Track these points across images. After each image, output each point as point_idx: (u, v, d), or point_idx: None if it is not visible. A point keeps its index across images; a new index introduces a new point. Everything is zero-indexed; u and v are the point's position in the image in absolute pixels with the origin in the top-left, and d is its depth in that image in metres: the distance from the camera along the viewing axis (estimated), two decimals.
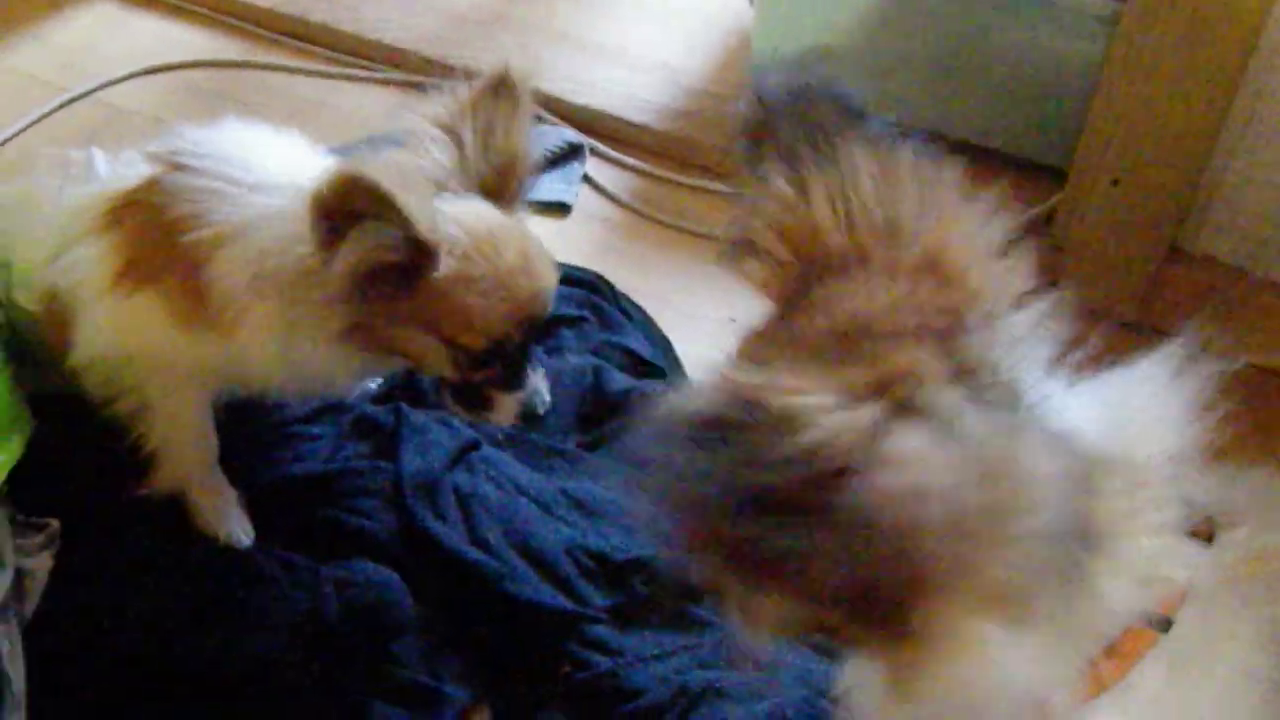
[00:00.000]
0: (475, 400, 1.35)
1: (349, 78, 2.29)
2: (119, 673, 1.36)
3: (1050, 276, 1.64)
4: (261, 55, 2.33)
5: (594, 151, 2.14)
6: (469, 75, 1.31)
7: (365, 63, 2.31)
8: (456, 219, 1.23)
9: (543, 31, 2.36)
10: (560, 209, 2.03)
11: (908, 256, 0.82)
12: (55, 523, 1.42)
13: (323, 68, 2.30)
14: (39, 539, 1.39)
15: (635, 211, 2.04)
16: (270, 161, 1.31)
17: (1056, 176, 1.89)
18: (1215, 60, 1.58)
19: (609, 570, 1.46)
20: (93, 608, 1.39)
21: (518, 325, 1.27)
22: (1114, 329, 1.70)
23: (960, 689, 0.80)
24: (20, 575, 1.35)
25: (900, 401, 0.73)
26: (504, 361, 1.30)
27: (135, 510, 1.45)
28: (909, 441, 0.71)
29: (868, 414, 0.71)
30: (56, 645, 1.35)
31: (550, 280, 1.29)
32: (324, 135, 1.96)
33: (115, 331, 1.33)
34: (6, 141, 2.13)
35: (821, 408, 0.72)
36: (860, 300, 0.81)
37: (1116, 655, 0.84)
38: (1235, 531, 0.87)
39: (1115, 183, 1.75)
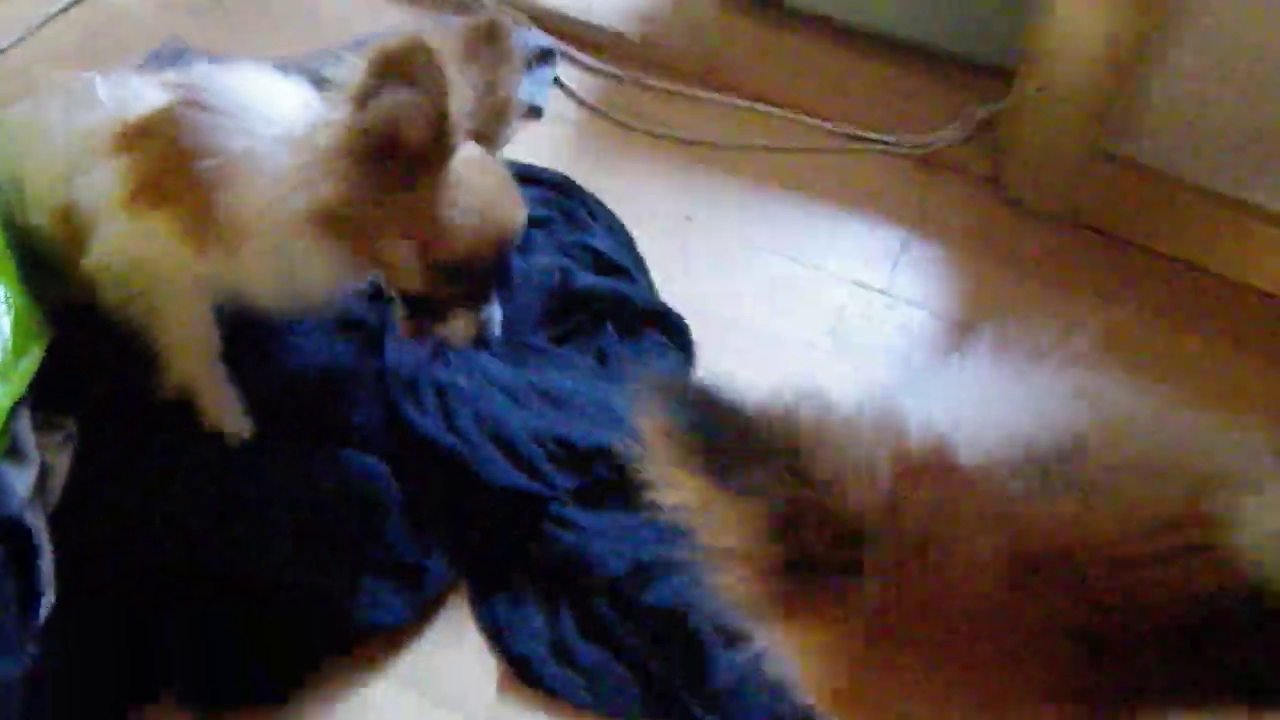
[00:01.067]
0: (433, 316, 1.46)
1: None
2: (131, 564, 1.51)
3: (992, 174, 1.79)
4: None
5: (564, 55, 2.24)
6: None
7: None
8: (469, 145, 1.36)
9: None
10: (532, 112, 2.13)
11: None
12: (72, 422, 1.56)
13: None
14: (58, 437, 1.54)
15: (602, 114, 2.15)
16: (276, 102, 1.42)
17: (1008, 79, 2.01)
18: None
19: (574, 456, 1.61)
20: (106, 501, 1.54)
21: (490, 248, 1.40)
22: (1045, 224, 1.86)
23: None
24: (43, 469, 1.50)
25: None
26: (470, 280, 1.43)
27: (146, 412, 1.59)
28: None
29: None
30: (77, 536, 1.50)
31: (522, 218, 1.43)
32: (309, 35, 2.10)
33: (127, 246, 1.46)
34: (11, 48, 2.22)
35: None
36: None
37: None
38: None
39: (1040, 89, 1.87)
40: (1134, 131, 1.84)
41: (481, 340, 1.49)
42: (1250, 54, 1.70)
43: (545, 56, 2.20)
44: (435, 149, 1.31)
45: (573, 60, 2.23)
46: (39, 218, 1.55)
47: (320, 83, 1.43)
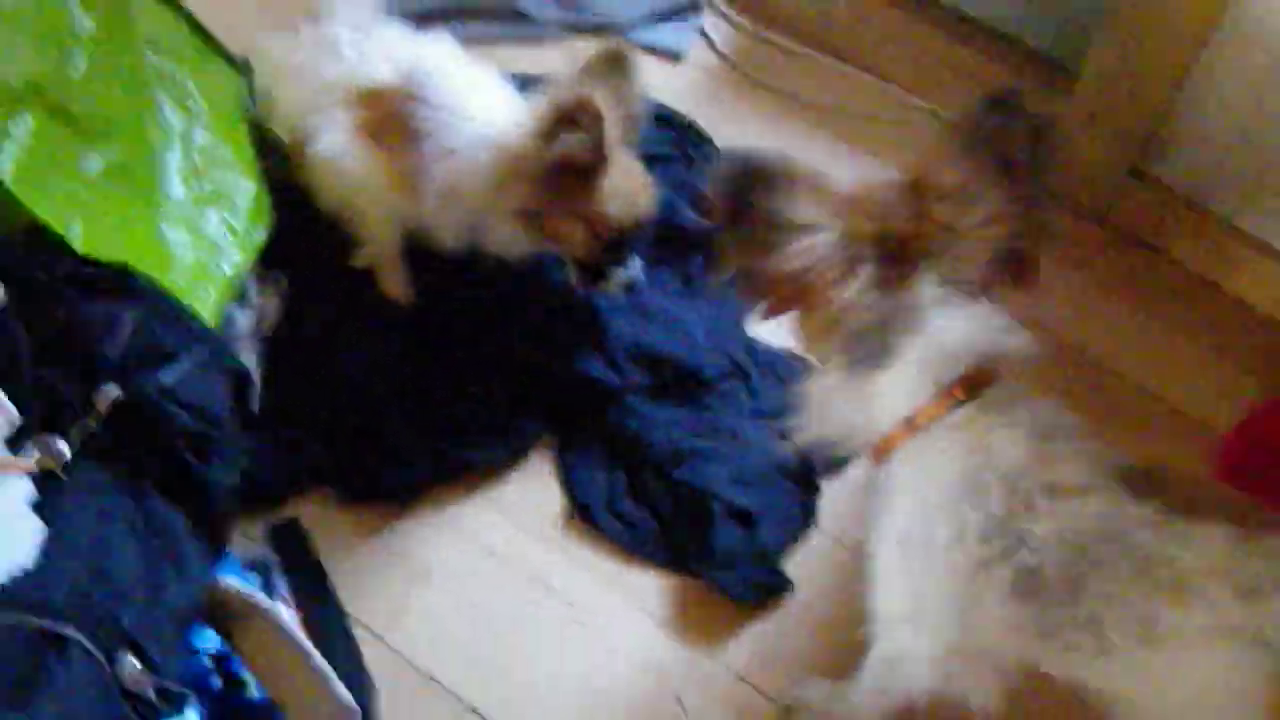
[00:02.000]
0: (594, 274, 2.01)
1: None
2: (320, 386, 2.07)
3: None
4: None
5: (708, 3, 2.63)
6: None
7: None
8: (615, 148, 1.88)
9: None
10: (673, 56, 2.56)
11: None
12: (284, 278, 2.10)
13: None
14: (272, 289, 2.08)
15: (734, 65, 2.54)
16: (484, 105, 1.94)
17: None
18: (1181, 28, 2.00)
19: (647, 359, 2.11)
20: (304, 337, 2.08)
21: (633, 224, 1.93)
22: (1080, 221, 2.25)
23: None
24: (260, 312, 2.05)
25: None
26: (620, 248, 1.96)
27: (339, 274, 2.13)
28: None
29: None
30: (280, 365, 2.05)
31: (652, 202, 1.95)
32: None
33: (349, 173, 1.99)
34: None
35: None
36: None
37: (928, 409, 1.44)
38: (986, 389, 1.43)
39: (1091, 116, 2.24)
40: (1166, 155, 2.19)
41: (629, 288, 2.04)
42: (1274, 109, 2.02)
43: (693, 6, 2.60)
44: (597, 166, 1.84)
45: (716, 11, 2.61)
46: (284, 134, 2.06)
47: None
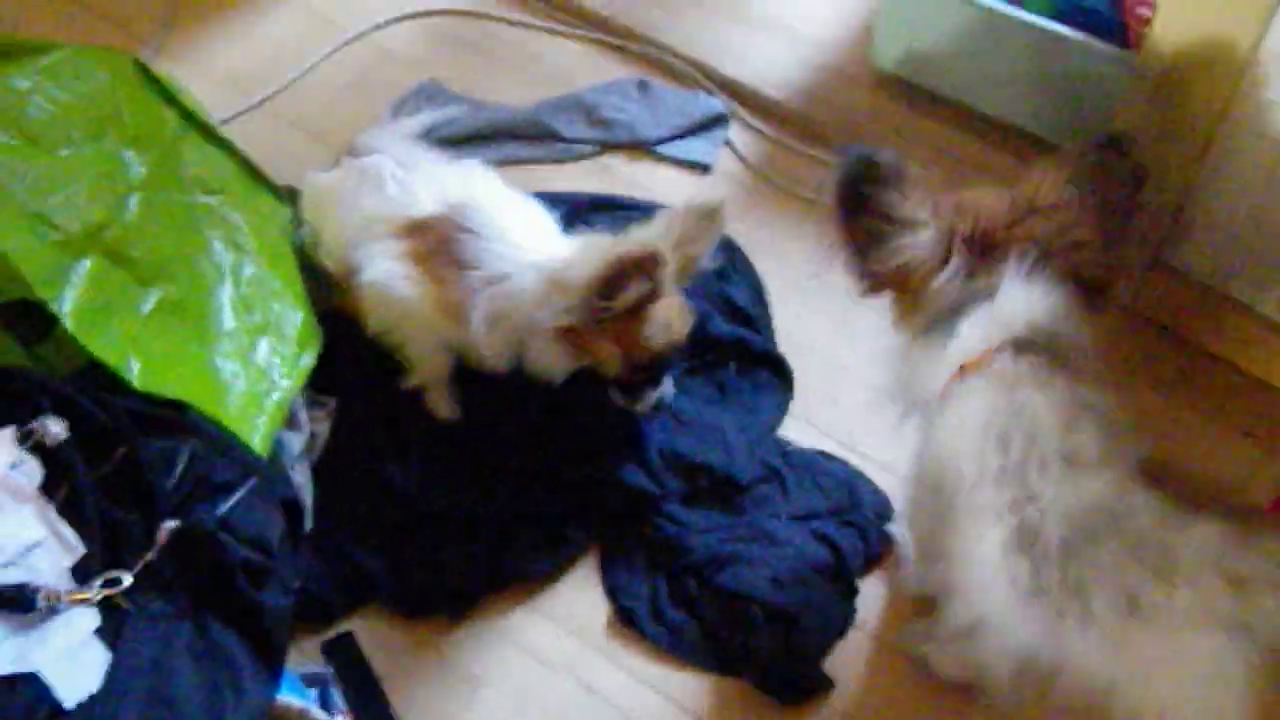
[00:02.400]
0: (629, 393, 2.10)
1: (558, 34, 2.89)
2: (372, 504, 2.14)
3: None
4: (493, 7, 2.94)
5: (735, 117, 2.72)
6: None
7: (573, 20, 2.90)
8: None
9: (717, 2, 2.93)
10: (702, 168, 2.65)
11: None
12: (333, 401, 2.18)
13: (539, 22, 2.92)
14: (322, 412, 2.16)
15: (760, 174, 2.62)
16: (526, 233, 2.05)
17: None
18: (1193, 119, 2.04)
19: (685, 467, 2.17)
20: (354, 459, 2.17)
21: (668, 350, 2.03)
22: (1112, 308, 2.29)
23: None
24: (311, 435, 2.14)
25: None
26: (655, 370, 2.06)
27: (387, 396, 2.21)
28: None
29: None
30: (332, 484, 2.14)
31: (687, 330, 2.05)
32: (535, 87, 2.65)
33: (397, 300, 2.08)
34: (303, 76, 2.84)
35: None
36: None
37: (976, 360, 1.58)
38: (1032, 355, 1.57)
39: None
40: (1183, 243, 2.24)
41: (658, 407, 2.14)
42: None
43: (720, 119, 2.69)
44: (647, 304, 1.94)
45: (743, 123, 2.71)
46: (330, 264, 2.17)
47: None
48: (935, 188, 1.64)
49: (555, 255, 2.01)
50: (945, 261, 1.62)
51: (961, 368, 1.59)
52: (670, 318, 2.00)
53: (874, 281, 1.68)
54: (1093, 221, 1.61)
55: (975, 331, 1.59)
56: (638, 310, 1.95)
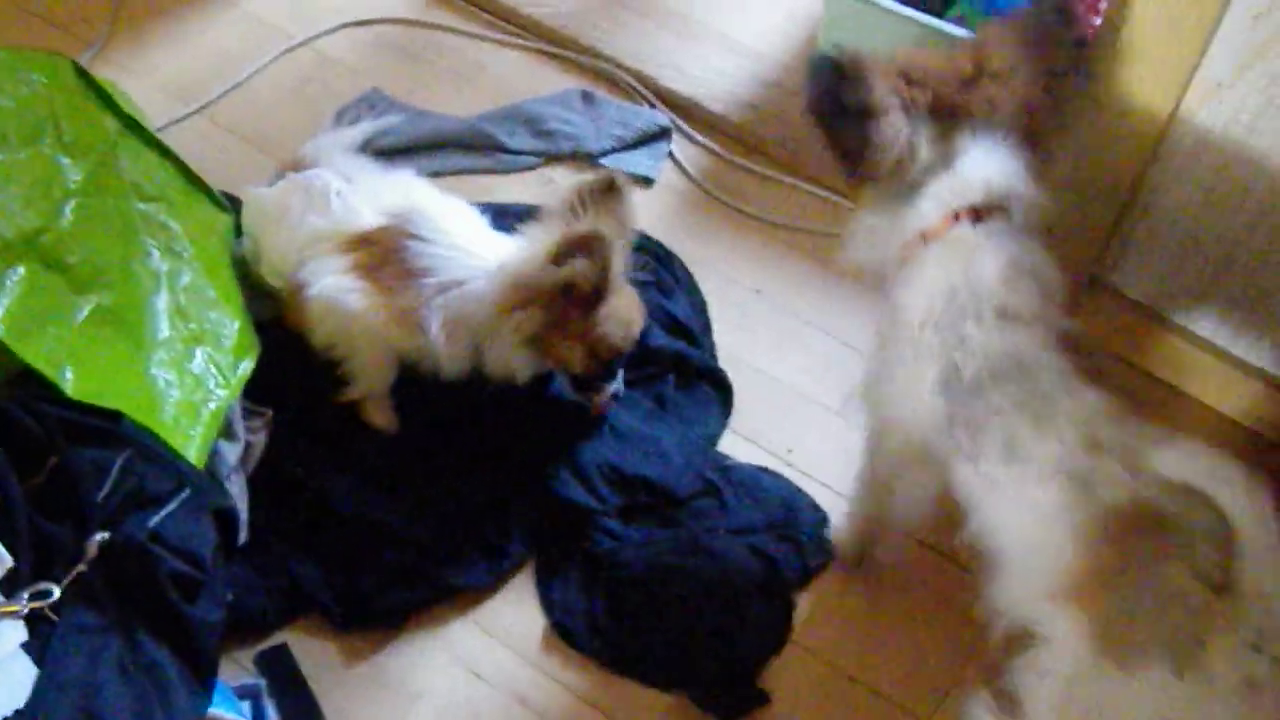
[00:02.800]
0: (588, 387, 2.11)
1: (501, 43, 2.89)
2: (308, 515, 2.13)
3: None
4: (439, 16, 2.93)
5: (677, 129, 2.74)
6: None
7: (518, 31, 2.90)
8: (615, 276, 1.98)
9: (660, 11, 2.90)
10: (645, 181, 2.65)
11: None
12: (270, 411, 2.17)
13: (482, 32, 2.91)
14: (259, 422, 2.15)
15: (703, 188, 2.63)
16: (474, 237, 2.06)
17: None
18: (1130, 142, 2.08)
19: (622, 480, 2.17)
20: (292, 472, 2.15)
21: (626, 345, 2.05)
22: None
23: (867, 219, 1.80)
24: (247, 445, 2.12)
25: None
26: (611, 366, 2.06)
27: (324, 407, 2.19)
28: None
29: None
30: (267, 495, 2.12)
31: (641, 325, 2.08)
32: (478, 96, 2.64)
33: (347, 314, 2.06)
34: (244, 82, 2.82)
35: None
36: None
37: (936, 227, 1.70)
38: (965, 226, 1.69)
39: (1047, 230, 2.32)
40: (1122, 264, 2.27)
41: (615, 398, 2.15)
42: (1221, 217, 2.09)
43: (663, 133, 2.70)
44: (601, 294, 1.96)
45: (687, 137, 2.72)
46: (274, 280, 2.15)
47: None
48: (890, 64, 1.72)
49: (503, 255, 2.01)
50: (914, 136, 1.70)
51: (922, 235, 1.71)
52: (627, 312, 2.03)
53: (864, 177, 1.75)
54: (1041, 84, 1.71)
55: (935, 202, 1.70)
56: (595, 306, 1.96)
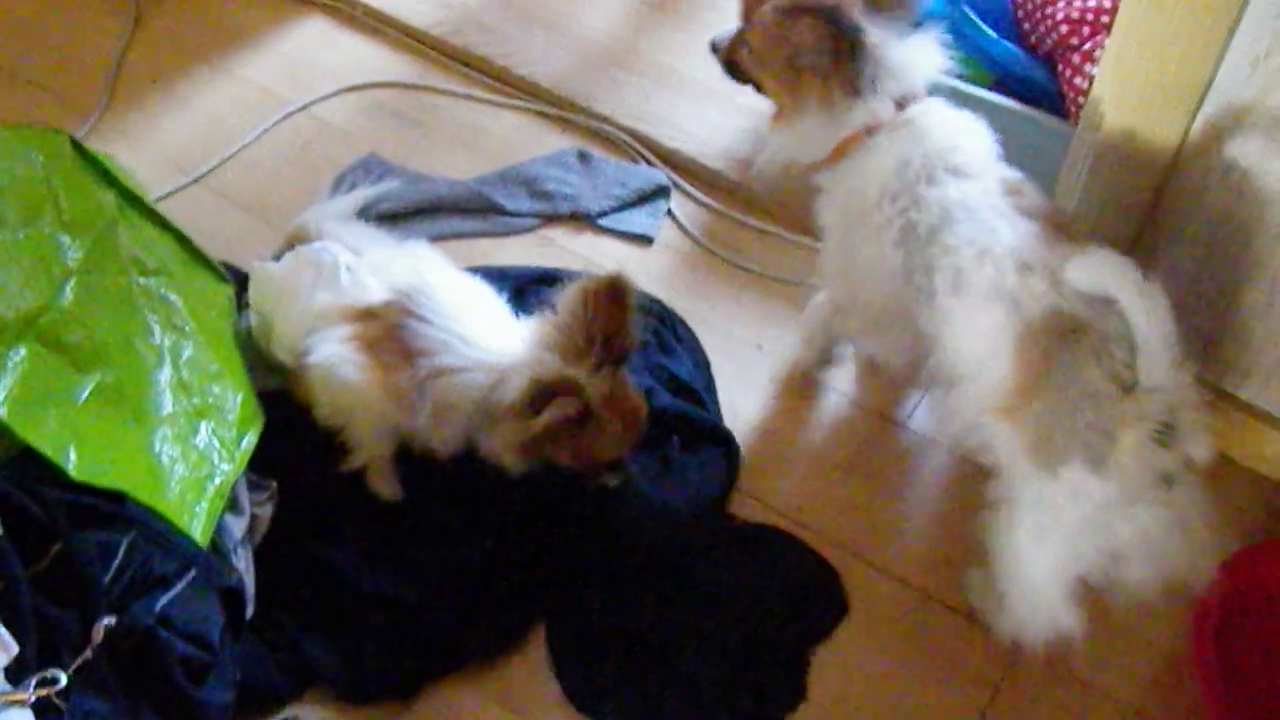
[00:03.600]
0: (594, 476, 2.09)
1: (498, 105, 2.90)
2: (316, 587, 2.11)
3: None
4: (435, 79, 2.94)
5: (676, 186, 2.74)
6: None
7: (513, 93, 2.91)
8: (601, 392, 1.95)
9: (655, 69, 2.92)
10: (644, 240, 2.65)
11: None
12: (275, 484, 2.16)
13: (479, 94, 2.92)
14: (265, 495, 2.13)
15: (702, 245, 2.63)
16: (477, 322, 2.03)
17: None
18: (1135, 196, 2.07)
19: (632, 543, 2.17)
20: (299, 544, 2.14)
21: (628, 448, 2.03)
22: None
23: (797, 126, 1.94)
24: (253, 518, 2.10)
25: None
26: (618, 462, 2.06)
27: (329, 478, 2.18)
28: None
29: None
30: (274, 568, 2.10)
31: (645, 424, 2.04)
32: (476, 159, 2.64)
33: (344, 386, 2.05)
34: (242, 150, 2.82)
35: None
36: None
37: (850, 139, 1.90)
38: (913, 107, 1.89)
39: None
40: None
41: (626, 481, 2.14)
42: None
43: (662, 191, 2.70)
44: (587, 418, 1.94)
45: (685, 194, 2.72)
46: (284, 356, 2.14)
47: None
48: None
49: (504, 350, 1.99)
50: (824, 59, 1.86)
51: (866, 129, 1.88)
52: (619, 428, 1.99)
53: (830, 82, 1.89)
54: None
55: (871, 104, 1.87)
56: (583, 424, 1.93)
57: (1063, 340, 1.65)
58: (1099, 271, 1.59)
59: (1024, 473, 1.72)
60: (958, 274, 1.76)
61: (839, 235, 2.00)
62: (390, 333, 2.00)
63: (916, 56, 1.89)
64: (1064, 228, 1.76)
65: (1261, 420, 2.19)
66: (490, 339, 2.01)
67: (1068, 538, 1.71)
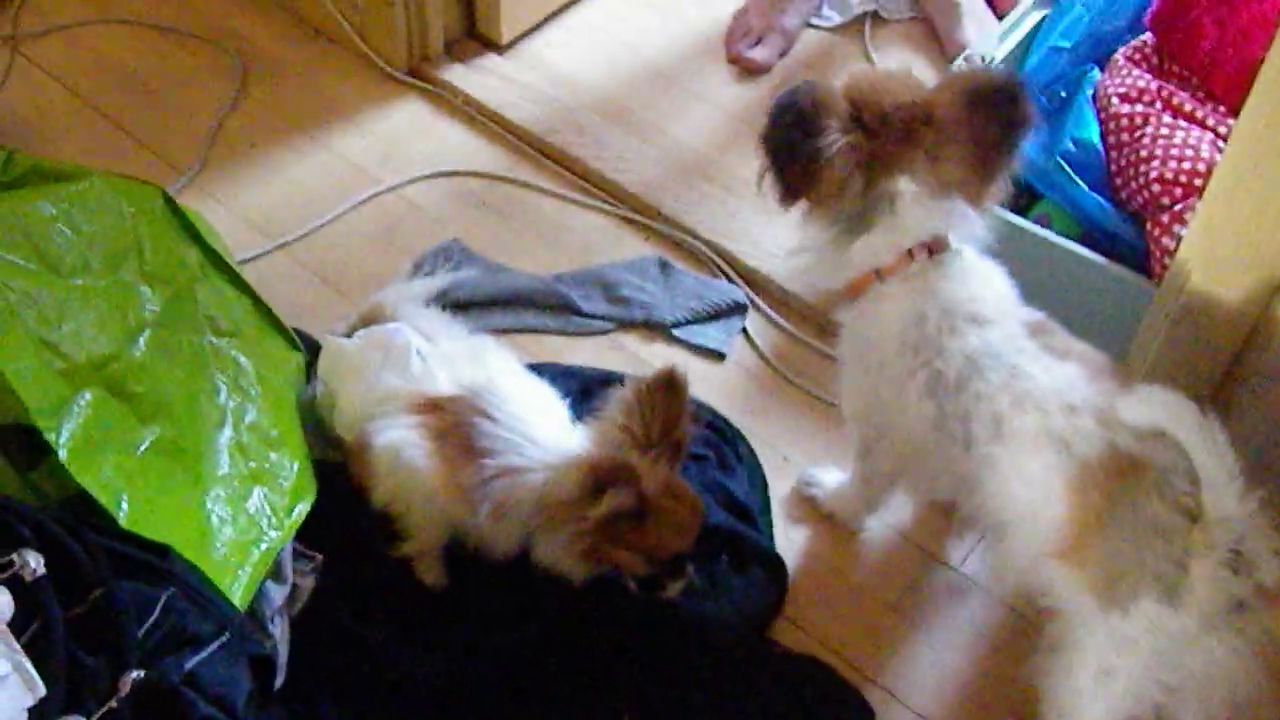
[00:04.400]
0: (652, 584, 2.05)
1: (583, 205, 2.92)
2: (349, 664, 2.09)
3: None
4: (524, 174, 2.97)
5: (753, 304, 2.74)
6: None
7: (601, 195, 2.94)
8: (658, 481, 1.94)
9: (741, 185, 2.93)
10: (717, 356, 2.65)
11: None
12: (320, 556, 2.15)
13: (566, 192, 2.95)
14: (309, 566, 2.13)
15: (773, 367, 2.62)
16: (542, 423, 2.02)
17: None
18: (1211, 362, 2.06)
19: (665, 659, 2.14)
20: (337, 619, 2.12)
21: (686, 546, 2.00)
22: None
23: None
24: (294, 588, 2.10)
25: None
26: (674, 564, 2.02)
27: (375, 558, 2.17)
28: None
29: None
30: (309, 640, 2.09)
31: (699, 522, 2.01)
32: (556, 256, 2.66)
33: (406, 474, 2.04)
34: (329, 222, 2.86)
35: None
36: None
37: (891, 265, 1.87)
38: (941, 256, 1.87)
39: None
40: None
41: (687, 590, 2.09)
42: None
43: (739, 308, 2.70)
44: (643, 509, 1.91)
45: (760, 314, 2.71)
46: (344, 433, 2.15)
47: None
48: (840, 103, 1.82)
49: (565, 449, 1.97)
50: (854, 174, 1.82)
51: (876, 272, 1.87)
52: (681, 515, 1.97)
53: (793, 199, 1.88)
54: (974, 151, 1.82)
55: (886, 241, 1.85)
56: (642, 516, 1.91)
57: (1121, 478, 1.65)
58: (1154, 407, 1.60)
59: (1089, 612, 1.70)
60: (997, 421, 1.76)
61: (859, 376, 1.98)
62: (458, 427, 1.99)
63: (925, 209, 1.85)
64: (1102, 366, 1.78)
65: None
66: (554, 440, 1.99)
67: (1136, 675, 1.68)
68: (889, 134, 1.81)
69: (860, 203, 1.84)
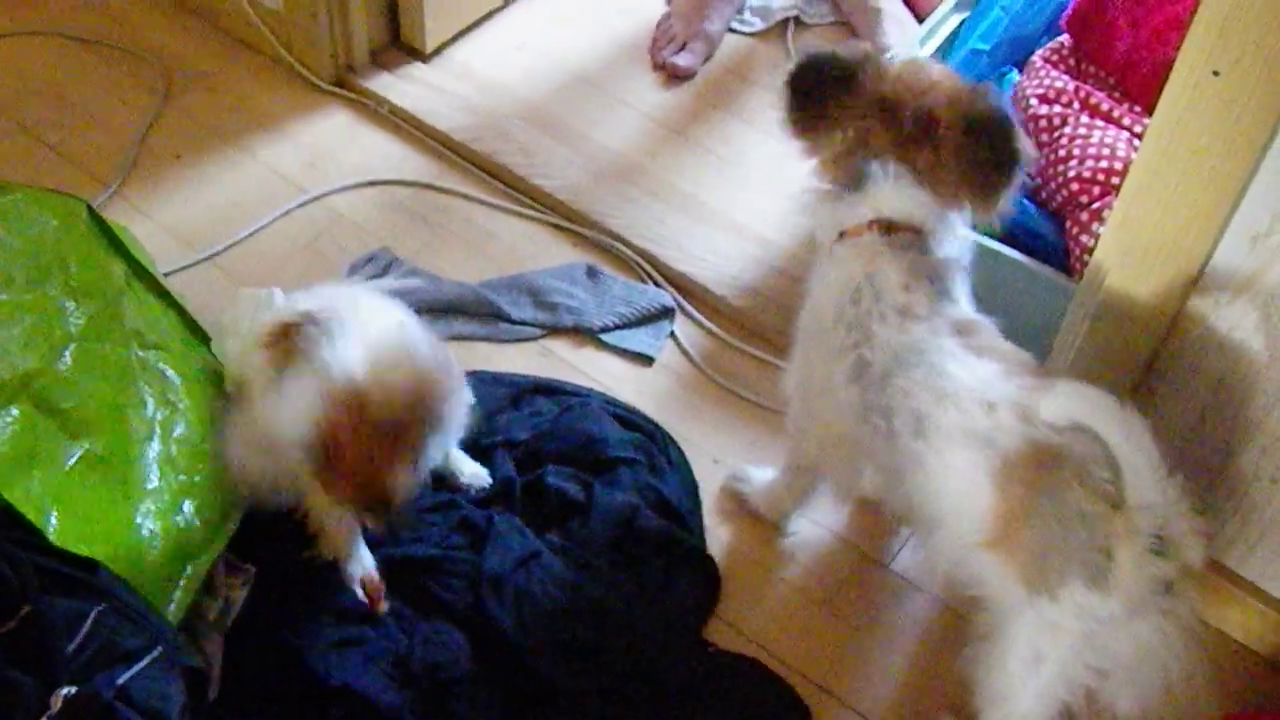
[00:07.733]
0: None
1: (511, 213, 2.92)
2: (283, 676, 2.08)
3: None
4: (451, 181, 2.97)
5: (681, 309, 2.75)
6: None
7: (528, 202, 2.94)
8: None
9: (670, 192, 2.95)
10: (646, 360, 2.66)
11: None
12: (252, 568, 2.14)
13: (493, 200, 2.96)
14: (240, 578, 2.12)
15: (702, 370, 2.64)
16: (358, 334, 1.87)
17: None
18: (1131, 358, 2.07)
19: (597, 661, 2.15)
20: (271, 630, 2.12)
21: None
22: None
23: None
24: (226, 600, 2.09)
25: None
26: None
27: (302, 565, 2.17)
28: None
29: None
30: (241, 653, 2.08)
31: (420, 477, 1.91)
32: (485, 263, 2.67)
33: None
34: (256, 233, 2.85)
35: None
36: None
37: (853, 230, 1.91)
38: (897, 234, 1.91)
39: None
40: None
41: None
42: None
43: (667, 312, 2.72)
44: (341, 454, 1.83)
45: (689, 318, 2.73)
46: (229, 385, 2.14)
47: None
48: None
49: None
50: (856, 149, 1.90)
51: (841, 233, 1.92)
52: (372, 473, 1.81)
53: (796, 133, 1.95)
54: (966, 170, 1.87)
55: (857, 208, 1.90)
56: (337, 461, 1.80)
57: (1042, 469, 1.68)
58: (1073, 402, 1.64)
59: (1018, 600, 1.73)
60: (918, 418, 1.79)
61: (804, 344, 2.04)
62: (290, 348, 1.91)
63: (905, 195, 1.90)
64: (1021, 363, 1.81)
65: (1245, 590, 2.18)
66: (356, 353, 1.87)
67: (1066, 660, 1.72)
68: (903, 130, 1.86)
69: (854, 172, 1.90)
